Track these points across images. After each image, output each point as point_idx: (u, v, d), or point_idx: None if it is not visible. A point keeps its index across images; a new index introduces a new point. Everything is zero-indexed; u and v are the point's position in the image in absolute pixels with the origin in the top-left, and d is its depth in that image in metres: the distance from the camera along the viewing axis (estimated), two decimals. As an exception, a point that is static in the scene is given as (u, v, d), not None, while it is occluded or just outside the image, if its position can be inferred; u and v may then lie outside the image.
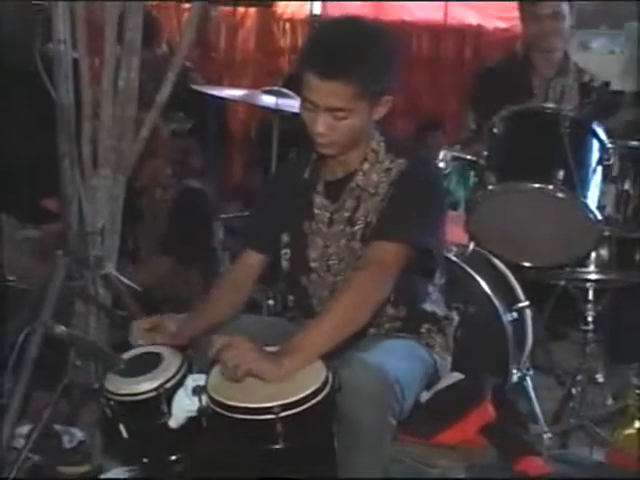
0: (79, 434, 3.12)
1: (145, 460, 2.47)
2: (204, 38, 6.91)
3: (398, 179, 2.60)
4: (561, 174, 3.23)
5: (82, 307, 3.27)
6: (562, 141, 3.25)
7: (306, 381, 2.26)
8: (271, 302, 3.91)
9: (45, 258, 4.63)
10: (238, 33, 7.14)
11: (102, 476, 2.94)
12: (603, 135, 3.38)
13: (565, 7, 4.12)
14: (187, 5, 7.00)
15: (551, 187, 3.25)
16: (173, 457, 2.43)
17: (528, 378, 3.45)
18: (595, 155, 3.38)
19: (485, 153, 3.45)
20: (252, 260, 2.80)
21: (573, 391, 3.58)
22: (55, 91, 3.04)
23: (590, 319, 3.60)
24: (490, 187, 3.34)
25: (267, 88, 4.32)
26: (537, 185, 3.27)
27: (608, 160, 3.38)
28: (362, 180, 2.64)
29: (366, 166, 2.65)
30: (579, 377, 3.58)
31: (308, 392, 2.21)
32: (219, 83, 6.55)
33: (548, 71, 4.20)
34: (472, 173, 3.83)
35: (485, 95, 4.22)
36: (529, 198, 3.32)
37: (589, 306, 3.60)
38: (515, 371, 3.34)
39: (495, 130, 3.43)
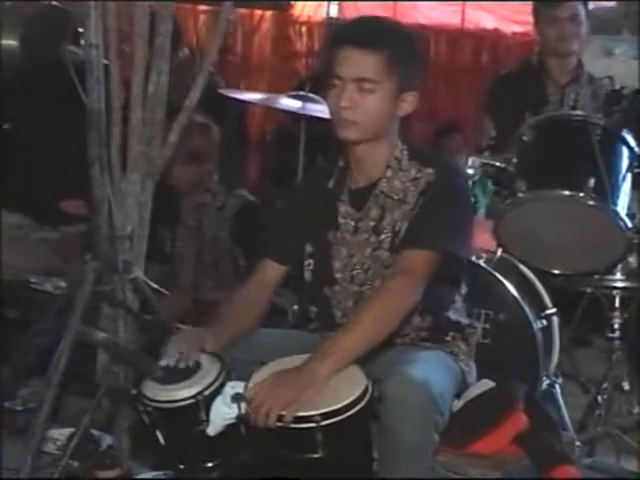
0: (107, 438, 3.12)
1: (180, 466, 2.47)
2: (221, 42, 6.90)
3: (428, 189, 2.61)
4: (592, 182, 3.24)
5: (109, 311, 3.27)
6: (592, 149, 3.26)
7: (346, 390, 2.27)
8: (296, 307, 3.90)
9: (66, 260, 4.64)
10: (255, 37, 7.14)
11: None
12: (633, 142, 3.39)
13: (582, 11, 4.12)
14: (203, 8, 7.01)
15: (582, 195, 3.25)
16: (209, 464, 2.42)
17: (557, 385, 3.43)
18: (625, 163, 3.38)
19: (514, 160, 3.45)
20: (271, 271, 2.80)
21: (599, 399, 3.56)
22: (86, 96, 3.03)
23: (616, 326, 3.58)
24: (520, 194, 3.34)
25: (293, 93, 4.31)
26: (568, 193, 3.28)
27: (638, 167, 3.38)
28: (386, 187, 2.64)
29: (389, 173, 2.65)
30: (605, 385, 3.56)
31: (349, 401, 2.23)
32: (236, 87, 6.54)
33: (563, 78, 4.23)
34: (490, 180, 3.85)
35: (501, 102, 4.26)
36: (559, 205, 3.32)
37: (616, 313, 3.58)
38: (544, 378, 3.33)
39: (524, 138, 3.43)
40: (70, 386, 3.10)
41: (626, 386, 3.58)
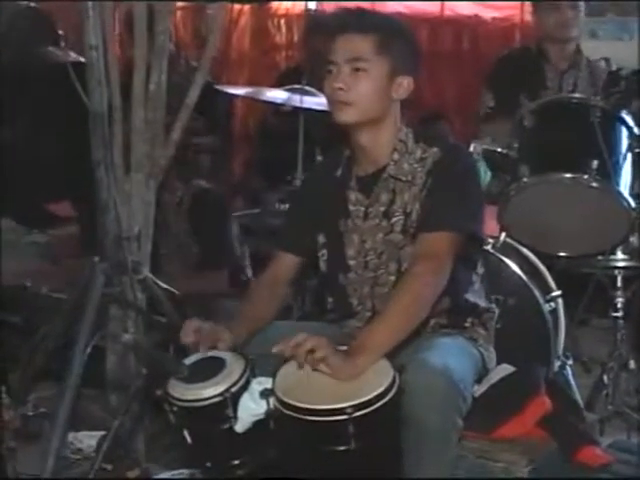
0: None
1: (208, 464, 2.47)
2: (199, 36, 6.88)
3: (434, 168, 2.63)
4: (595, 163, 3.27)
5: (118, 312, 3.25)
6: (594, 131, 3.29)
7: (375, 381, 2.27)
8: (300, 302, 3.91)
9: (56, 262, 4.63)
10: (234, 31, 7.10)
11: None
12: (632, 123, 3.42)
13: None
14: (180, 4, 6.97)
15: (586, 177, 3.29)
16: (237, 461, 2.42)
17: (567, 367, 3.46)
18: (625, 143, 3.43)
19: (516, 146, 3.47)
20: (287, 262, 2.82)
21: (605, 378, 3.59)
22: (88, 98, 3.02)
23: (620, 305, 3.62)
24: (524, 179, 3.36)
25: (289, 86, 4.31)
26: (572, 175, 3.31)
27: (638, 147, 3.41)
28: (394, 170, 2.67)
29: (396, 156, 2.67)
30: (611, 364, 3.59)
31: (379, 391, 2.23)
32: (217, 80, 6.51)
33: (562, 63, 4.26)
34: (487, 166, 3.87)
35: (503, 78, 4.31)
36: (563, 189, 3.36)
37: (618, 292, 3.62)
38: (556, 360, 3.36)
39: (525, 123, 3.46)
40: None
41: (632, 365, 3.62)
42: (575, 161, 3.31)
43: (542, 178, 3.37)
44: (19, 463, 3.02)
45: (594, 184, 3.28)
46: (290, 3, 6.98)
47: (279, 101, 4.44)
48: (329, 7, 6.51)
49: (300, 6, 6.83)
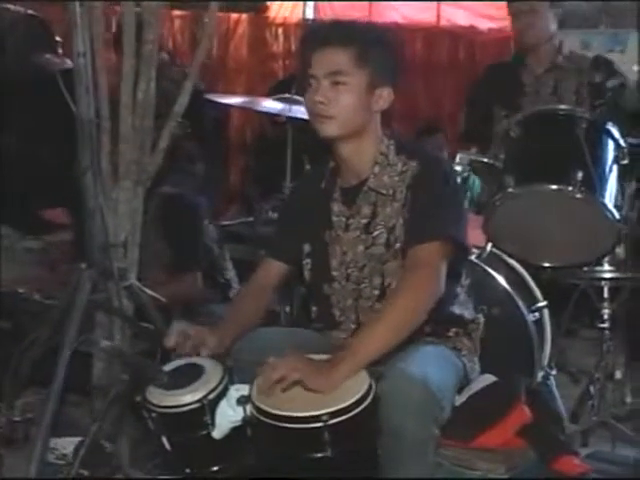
0: (106, 445, 3.12)
1: (187, 470, 2.48)
2: (197, 44, 6.90)
3: (414, 182, 2.64)
4: (579, 175, 3.28)
5: (104, 319, 3.26)
6: (579, 142, 3.30)
7: (351, 388, 2.28)
8: (287, 309, 3.93)
9: (51, 269, 4.64)
10: (231, 39, 7.14)
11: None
12: (617, 135, 3.43)
13: (544, 5, 4.20)
14: (178, 13, 7.01)
15: (570, 188, 3.30)
16: (215, 467, 2.43)
17: (551, 377, 3.47)
18: (611, 155, 3.44)
19: (502, 156, 3.49)
20: (272, 269, 2.85)
21: (591, 389, 3.60)
22: (76, 105, 3.03)
23: (606, 317, 3.62)
24: (509, 189, 3.38)
25: (278, 96, 4.33)
26: (556, 186, 3.32)
27: (623, 159, 3.43)
28: (374, 183, 2.68)
29: (377, 169, 2.69)
30: (597, 375, 3.60)
31: (355, 399, 2.24)
32: (213, 89, 6.54)
33: (537, 68, 4.29)
34: (477, 177, 3.89)
35: (478, 94, 4.42)
36: (548, 199, 3.37)
37: (605, 304, 3.62)
38: (539, 371, 3.37)
39: (512, 133, 3.48)
40: (64, 395, 3.10)
41: (618, 375, 3.62)
42: (560, 172, 3.31)
43: (527, 189, 3.38)
44: (6, 468, 3.04)
45: (578, 195, 3.29)
46: (288, 11, 7.02)
47: (273, 111, 4.45)
48: (326, 15, 6.56)
49: (298, 15, 6.87)
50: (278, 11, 7.08)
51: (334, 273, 2.73)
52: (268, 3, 7.03)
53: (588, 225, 3.38)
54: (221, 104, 4.96)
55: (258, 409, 2.28)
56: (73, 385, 3.06)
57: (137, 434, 3.12)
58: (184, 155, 4.72)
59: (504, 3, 4.62)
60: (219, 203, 5.68)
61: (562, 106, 3.47)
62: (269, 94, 5.14)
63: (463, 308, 2.77)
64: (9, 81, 5.58)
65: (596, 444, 3.49)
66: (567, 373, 4.06)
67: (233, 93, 6.58)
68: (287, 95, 4.20)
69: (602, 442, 3.49)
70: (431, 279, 2.50)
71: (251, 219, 5.11)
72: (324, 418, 2.20)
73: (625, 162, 3.44)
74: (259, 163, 6.43)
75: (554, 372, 3.50)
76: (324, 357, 2.41)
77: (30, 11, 5.74)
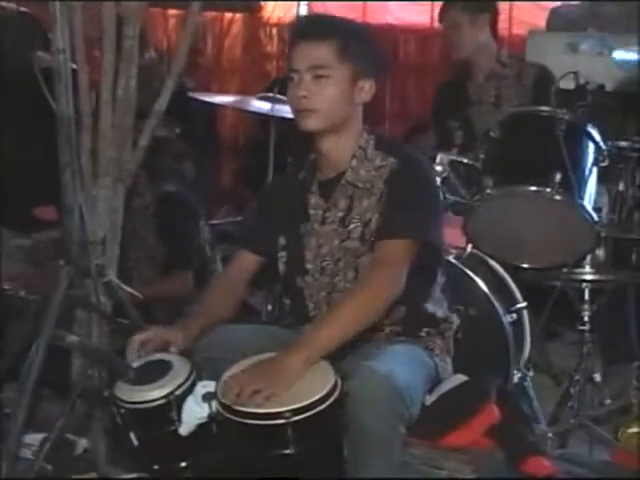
0: (83, 442, 3.12)
1: (155, 467, 2.49)
2: (191, 44, 6.90)
3: (391, 177, 2.65)
4: (558, 177, 3.28)
5: (82, 315, 3.27)
6: (558, 144, 3.30)
7: (316, 385, 2.29)
8: (270, 308, 3.93)
9: (39, 266, 4.64)
10: (225, 39, 7.15)
11: (108, 484, 2.94)
12: (598, 137, 3.44)
13: (467, 18, 4.28)
14: (173, 12, 7.01)
15: (548, 190, 3.30)
16: (183, 464, 2.44)
17: (528, 379, 3.47)
18: (590, 157, 3.44)
19: (482, 156, 3.49)
20: (246, 261, 2.85)
21: (571, 391, 3.60)
22: (55, 102, 3.03)
23: (586, 319, 3.62)
24: (488, 191, 3.38)
25: (262, 94, 4.34)
26: (534, 188, 3.33)
27: (603, 162, 3.43)
28: (351, 176, 2.69)
29: (354, 162, 2.70)
30: (577, 377, 3.59)
31: (318, 396, 2.25)
32: (207, 89, 6.55)
33: (478, 77, 4.38)
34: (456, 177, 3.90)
35: (437, 110, 4.58)
36: (527, 201, 3.37)
37: (585, 306, 3.62)
38: (515, 372, 3.37)
39: (492, 134, 3.48)
40: (45, 391, 3.11)
41: (597, 378, 3.62)
42: (539, 173, 3.31)
43: (505, 190, 3.38)
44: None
45: (557, 197, 3.29)
46: (282, 11, 7.02)
47: (259, 111, 4.45)
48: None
49: (292, 15, 6.86)
50: (272, 11, 7.07)
51: (308, 266, 2.74)
52: (262, 3, 7.03)
53: (567, 227, 3.38)
54: (211, 103, 4.96)
55: (223, 405, 2.28)
56: (53, 381, 3.08)
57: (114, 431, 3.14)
58: (172, 154, 4.74)
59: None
60: (210, 202, 5.67)
61: (542, 107, 3.46)
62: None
63: (437, 306, 2.77)
64: (1, 78, 5.59)
65: (574, 446, 3.49)
66: (550, 375, 4.05)
67: (227, 93, 6.58)
68: (270, 94, 4.21)
69: (581, 444, 3.49)
70: (391, 279, 2.51)
71: (240, 218, 5.12)
72: (286, 415, 2.20)
73: (605, 164, 3.44)
74: (250, 163, 6.43)
75: (531, 373, 3.50)
76: (272, 354, 2.40)
77: (22, 8, 5.75)
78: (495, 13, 4.46)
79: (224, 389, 2.30)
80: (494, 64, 4.33)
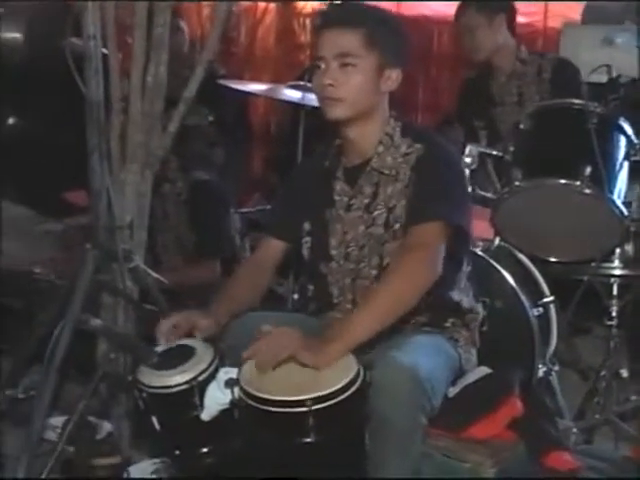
0: (107, 425, 3.14)
1: (177, 452, 2.50)
2: (224, 33, 6.91)
3: (418, 164, 2.64)
4: (588, 170, 3.26)
5: (109, 300, 3.29)
6: (589, 137, 3.27)
7: (338, 374, 2.29)
8: (295, 296, 3.93)
9: (70, 251, 4.67)
10: (258, 29, 7.13)
11: (131, 467, 2.95)
12: (630, 131, 3.41)
13: (482, 19, 4.24)
14: (207, 1, 7.01)
15: (578, 183, 3.27)
16: (204, 449, 2.45)
17: (554, 373, 3.45)
18: (622, 151, 3.41)
19: (511, 149, 3.47)
20: (272, 247, 2.86)
21: (598, 386, 3.57)
22: (85, 86, 3.05)
23: (614, 314, 3.59)
24: (517, 183, 3.36)
25: (292, 83, 4.33)
26: (564, 181, 3.30)
27: (635, 156, 3.40)
28: (377, 163, 2.68)
29: (380, 149, 2.69)
30: (603, 372, 3.57)
31: (340, 385, 2.25)
32: (240, 78, 6.54)
33: (499, 77, 4.34)
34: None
35: (465, 106, 4.55)
36: (556, 194, 3.35)
37: (613, 301, 3.59)
38: (541, 366, 3.35)
39: (521, 126, 3.46)
40: (71, 374, 3.13)
41: (624, 373, 3.59)
42: (569, 167, 3.29)
43: (534, 183, 3.37)
44: (8, 445, 3.07)
45: (586, 191, 3.27)
46: (316, 2, 6.99)
47: (291, 99, 4.44)
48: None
49: (326, 5, 6.83)
50: (306, 1, 7.04)
51: (333, 252, 2.74)
52: (295, -6, 7.01)
53: (596, 220, 3.36)
54: (242, 91, 4.96)
55: (245, 392, 2.29)
56: (79, 364, 3.10)
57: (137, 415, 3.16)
58: (204, 141, 4.74)
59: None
60: (240, 190, 5.67)
61: (574, 100, 3.43)
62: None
63: (463, 295, 2.76)
64: (33, 64, 5.63)
65: (600, 442, 3.46)
66: (576, 370, 4.03)
67: (259, 82, 6.57)
68: (301, 83, 4.20)
69: (606, 440, 3.46)
70: (427, 262, 2.49)
71: (269, 207, 5.11)
72: (308, 403, 2.20)
73: (636, 158, 3.41)
74: (281, 151, 6.42)
75: (556, 368, 3.47)
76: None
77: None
78: (512, 12, 4.42)
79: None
80: (514, 63, 4.30)
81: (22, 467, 2.73)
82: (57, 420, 3.12)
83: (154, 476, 2.88)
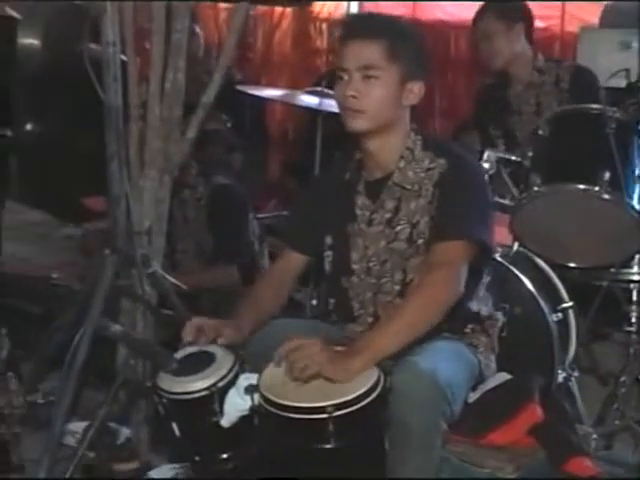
0: (126, 431, 3.15)
1: (196, 458, 2.50)
2: (241, 38, 6.92)
3: (442, 180, 2.64)
4: (607, 175, 3.25)
5: (128, 305, 3.30)
6: (608, 142, 3.26)
7: (358, 381, 2.28)
8: (314, 302, 3.93)
9: (89, 256, 4.69)
10: (275, 34, 7.14)
11: (150, 472, 2.96)
12: (649, 135, 3.40)
13: (500, 27, 4.19)
14: (224, 5, 7.02)
15: (597, 188, 3.27)
16: (224, 455, 2.45)
17: (573, 379, 3.44)
18: (641, 156, 3.40)
19: (530, 154, 3.47)
20: (293, 260, 2.85)
21: (617, 392, 3.55)
22: (104, 92, 3.06)
23: (634, 320, 3.58)
24: (535, 188, 3.36)
25: (310, 88, 4.34)
26: (583, 187, 3.30)
27: (654, 160, 3.40)
28: (398, 177, 2.68)
29: (402, 164, 2.69)
30: (623, 378, 3.55)
31: (361, 392, 2.24)
32: (256, 83, 6.56)
33: (516, 86, 4.30)
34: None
35: (482, 112, 4.48)
36: (575, 199, 3.35)
37: (633, 307, 3.58)
38: (560, 372, 3.34)
39: (540, 132, 3.45)
40: (90, 380, 3.14)
41: (644, 379, 3.58)
42: (587, 172, 3.28)
43: (553, 188, 3.36)
44: (27, 450, 3.08)
45: (605, 196, 3.26)
46: (332, 7, 7.00)
47: (308, 105, 4.45)
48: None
49: (342, 11, 6.83)
50: (323, 6, 7.05)
51: (354, 266, 2.73)
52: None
53: (614, 226, 3.35)
54: (259, 97, 4.97)
55: (265, 398, 2.29)
56: (98, 370, 3.10)
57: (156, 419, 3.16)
58: (222, 146, 4.75)
59: (552, 2, 4.61)
60: (257, 196, 5.69)
61: (592, 105, 3.42)
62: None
63: (481, 304, 2.75)
64: (52, 69, 5.66)
65: (620, 448, 3.45)
66: (595, 376, 4.01)
67: (276, 87, 6.58)
68: (319, 88, 4.20)
69: (627, 447, 3.45)
70: (452, 279, 2.50)
71: (286, 212, 5.11)
72: (328, 410, 2.20)
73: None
74: (298, 157, 6.43)
75: (576, 373, 3.46)
76: (339, 348, 2.41)
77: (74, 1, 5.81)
78: (530, 21, 4.37)
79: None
80: (532, 73, 4.25)
81: (43, 471, 2.73)
82: (76, 426, 3.13)
83: (173, 481, 2.89)
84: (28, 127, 5.90)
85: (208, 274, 3.99)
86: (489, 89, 4.52)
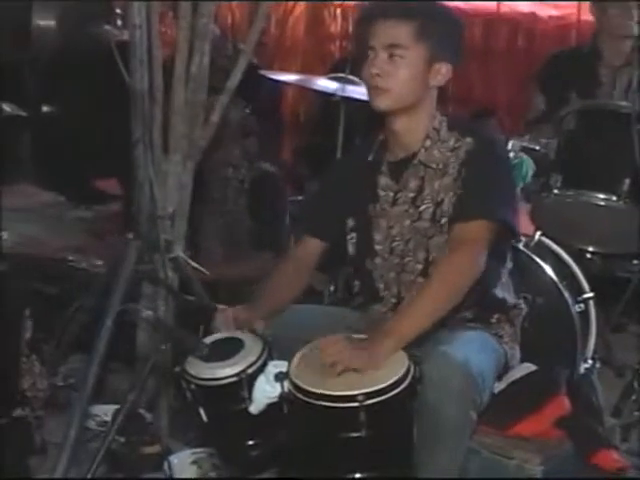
0: (147, 415, 3.15)
1: (223, 444, 2.50)
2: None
3: (468, 159, 2.62)
4: (627, 182, 3.26)
5: (149, 290, 3.29)
6: (632, 145, 3.25)
7: (389, 370, 2.28)
8: (332, 288, 3.92)
9: (101, 238, 4.69)
10: (289, 19, 7.11)
11: (171, 456, 2.96)
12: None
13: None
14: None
15: (614, 198, 3.29)
16: (251, 442, 2.44)
17: (594, 370, 3.43)
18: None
19: (554, 148, 3.44)
20: (312, 246, 2.84)
21: (634, 384, 3.55)
22: (129, 76, 3.05)
23: (653, 312, 3.59)
24: (555, 191, 3.38)
25: (332, 75, 4.31)
26: (601, 195, 3.32)
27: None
28: (424, 157, 2.66)
29: (428, 143, 2.67)
30: (640, 370, 3.55)
31: (392, 381, 2.24)
32: (270, 68, 6.53)
33: (616, 60, 4.19)
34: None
35: (553, 79, 4.27)
36: (593, 205, 3.35)
37: (651, 299, 3.59)
38: (582, 363, 3.33)
39: (565, 125, 3.44)
40: (109, 364, 3.14)
41: (662, 370, 3.57)
42: (608, 178, 3.30)
43: (572, 195, 3.38)
44: (48, 432, 3.09)
45: (622, 207, 3.29)
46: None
47: (327, 90, 4.44)
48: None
49: (358, -4, 6.81)
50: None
51: (377, 247, 2.72)
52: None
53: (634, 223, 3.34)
54: (276, 82, 4.96)
55: (295, 386, 2.29)
56: (118, 353, 3.10)
57: (177, 404, 3.16)
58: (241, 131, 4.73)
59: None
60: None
61: (621, 103, 3.39)
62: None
63: (505, 291, 2.74)
64: (67, 51, 5.65)
65: (636, 440, 3.45)
66: (612, 367, 4.01)
67: (288, 72, 6.55)
68: (342, 75, 4.19)
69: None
70: (473, 258, 2.50)
71: (300, 198, 5.10)
72: (360, 398, 2.20)
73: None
74: (310, 143, 6.41)
75: (597, 365, 3.45)
76: (362, 337, 2.40)
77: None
78: None
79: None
80: (632, 53, 4.13)
81: (65, 454, 2.73)
82: (96, 409, 3.14)
83: (194, 466, 2.89)
84: (43, 109, 5.89)
85: (248, 263, 3.94)
86: (572, 57, 4.39)
